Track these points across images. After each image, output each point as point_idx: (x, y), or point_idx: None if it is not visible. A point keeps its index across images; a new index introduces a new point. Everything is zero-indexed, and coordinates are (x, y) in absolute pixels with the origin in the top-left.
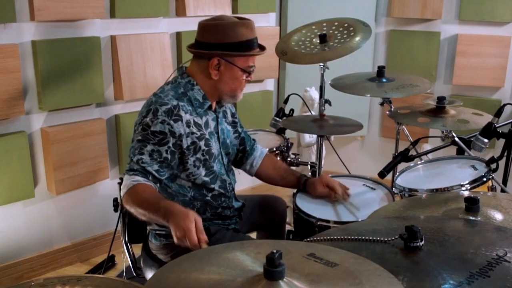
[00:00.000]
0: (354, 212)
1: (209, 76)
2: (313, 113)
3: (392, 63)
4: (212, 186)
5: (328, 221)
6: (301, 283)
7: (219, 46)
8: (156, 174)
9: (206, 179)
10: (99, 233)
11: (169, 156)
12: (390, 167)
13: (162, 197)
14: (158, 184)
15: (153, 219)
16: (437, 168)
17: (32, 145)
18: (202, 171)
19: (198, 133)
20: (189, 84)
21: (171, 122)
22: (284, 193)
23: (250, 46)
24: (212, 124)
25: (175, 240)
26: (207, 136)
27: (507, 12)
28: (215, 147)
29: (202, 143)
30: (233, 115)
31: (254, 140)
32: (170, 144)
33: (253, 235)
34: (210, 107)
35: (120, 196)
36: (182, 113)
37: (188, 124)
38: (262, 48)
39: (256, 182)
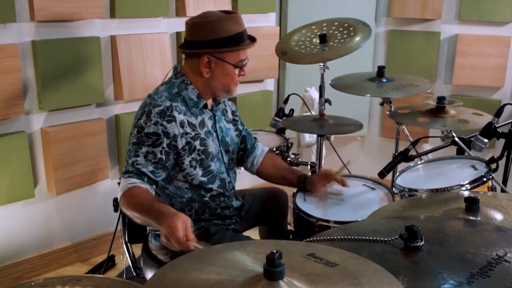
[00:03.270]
0: (354, 212)
1: (201, 74)
2: (313, 113)
3: (392, 63)
4: (210, 186)
5: (328, 221)
6: (301, 283)
7: (208, 43)
8: (151, 175)
9: (203, 179)
10: (99, 233)
11: (163, 157)
12: (390, 167)
13: (157, 200)
14: (154, 186)
15: (146, 222)
16: (437, 168)
17: (32, 145)
18: (199, 171)
19: (193, 133)
20: (183, 84)
21: (164, 123)
22: None
23: (239, 40)
24: (209, 123)
25: (162, 239)
26: (202, 136)
27: (507, 12)
28: (213, 146)
29: (197, 143)
30: (233, 113)
31: (255, 138)
32: (164, 145)
33: (255, 231)
34: (205, 106)
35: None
36: (175, 114)
37: (182, 125)
38: (253, 39)
39: (257, 181)
